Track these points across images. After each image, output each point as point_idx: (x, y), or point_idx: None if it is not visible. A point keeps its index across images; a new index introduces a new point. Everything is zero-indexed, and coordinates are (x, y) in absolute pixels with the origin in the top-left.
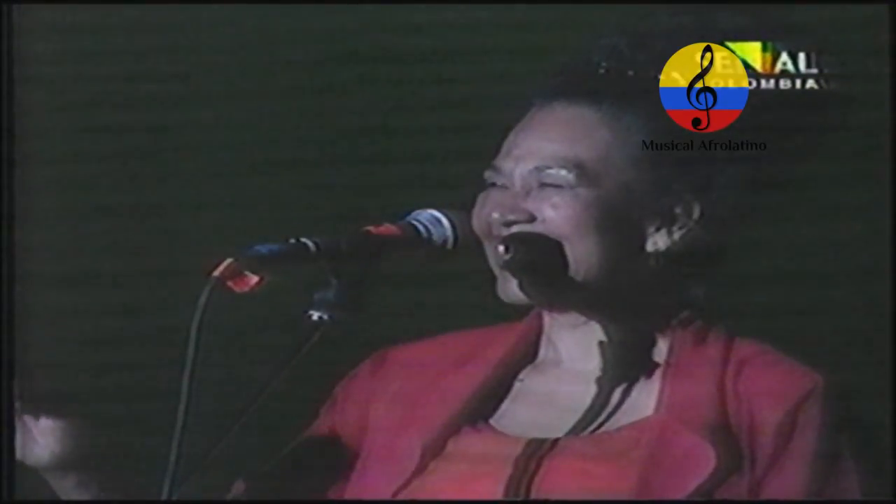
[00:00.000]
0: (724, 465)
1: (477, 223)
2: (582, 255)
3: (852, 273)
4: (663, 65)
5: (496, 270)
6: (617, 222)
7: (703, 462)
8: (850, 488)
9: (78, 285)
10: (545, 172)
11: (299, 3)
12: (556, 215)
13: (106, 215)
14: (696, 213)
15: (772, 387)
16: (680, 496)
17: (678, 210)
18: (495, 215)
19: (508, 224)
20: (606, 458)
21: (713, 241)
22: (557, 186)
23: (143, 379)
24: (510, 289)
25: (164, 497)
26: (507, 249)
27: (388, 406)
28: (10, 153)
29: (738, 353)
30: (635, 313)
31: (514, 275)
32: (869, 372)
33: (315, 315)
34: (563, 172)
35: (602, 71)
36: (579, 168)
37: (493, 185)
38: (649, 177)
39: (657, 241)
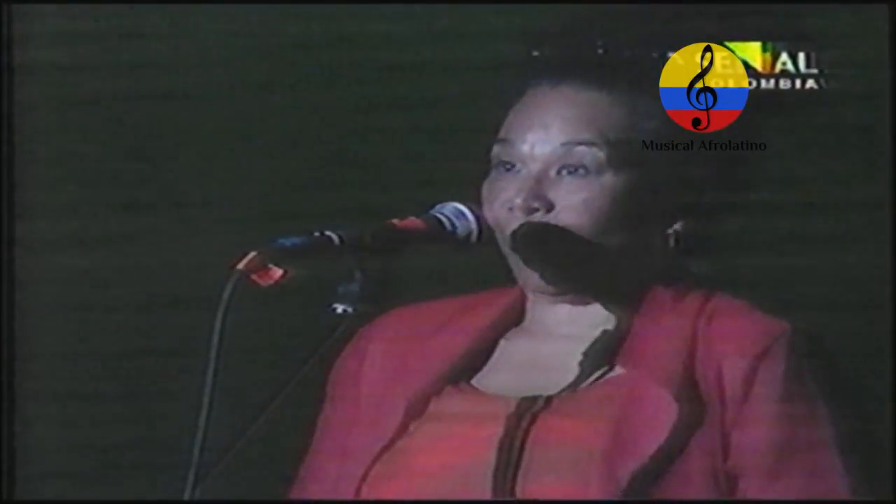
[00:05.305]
0: (686, 418)
1: (491, 209)
2: (601, 245)
3: (851, 274)
4: (663, 46)
5: (512, 259)
6: (637, 211)
7: (666, 416)
8: (825, 437)
9: (86, 282)
10: (575, 150)
11: (295, 3)
12: (577, 204)
13: (107, 212)
14: (713, 199)
15: (739, 333)
16: (649, 452)
17: (697, 196)
18: (518, 201)
19: (530, 211)
20: (581, 416)
21: (721, 226)
22: (578, 172)
23: (162, 376)
24: (531, 277)
25: (187, 494)
26: (525, 241)
27: (376, 368)
28: (10, 150)
29: (712, 305)
30: (641, 295)
31: (532, 266)
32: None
33: (339, 308)
34: (594, 150)
35: (600, 51)
36: (609, 147)
37: (507, 167)
38: (669, 162)
39: (676, 228)
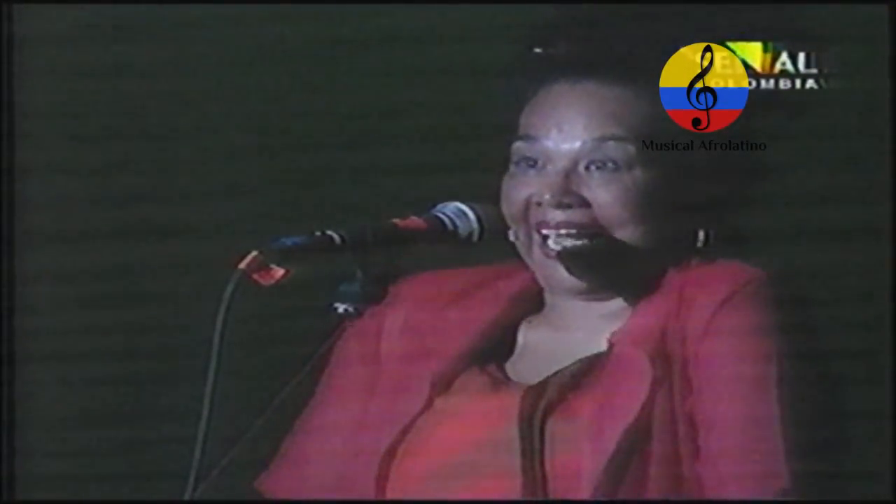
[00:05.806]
0: (658, 376)
1: (512, 205)
2: (633, 242)
3: (851, 272)
4: (672, 41)
5: (536, 258)
6: (667, 206)
7: (644, 378)
8: (771, 374)
9: (86, 280)
10: (605, 145)
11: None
12: (609, 199)
13: (107, 210)
14: (741, 195)
15: (709, 282)
16: (632, 414)
17: (729, 191)
18: (547, 196)
19: (562, 206)
20: (580, 390)
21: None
22: (607, 167)
23: (163, 376)
24: (558, 277)
25: (188, 494)
26: (561, 237)
27: (395, 336)
28: (9, 147)
29: (704, 269)
30: (657, 282)
31: (567, 264)
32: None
33: (341, 308)
34: (624, 144)
35: (612, 46)
36: (637, 141)
37: (529, 163)
38: (699, 158)
39: (705, 224)
